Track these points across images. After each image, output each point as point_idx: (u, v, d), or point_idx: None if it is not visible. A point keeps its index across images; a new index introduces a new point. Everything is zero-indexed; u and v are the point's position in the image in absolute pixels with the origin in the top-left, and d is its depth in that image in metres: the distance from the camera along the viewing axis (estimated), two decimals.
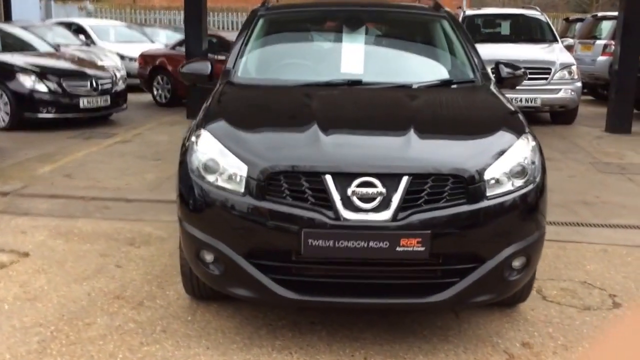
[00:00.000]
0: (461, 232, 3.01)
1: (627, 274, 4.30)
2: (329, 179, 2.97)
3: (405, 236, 2.92)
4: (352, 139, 3.35)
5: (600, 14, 15.10)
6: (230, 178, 3.14)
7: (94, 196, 5.90)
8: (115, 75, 9.89)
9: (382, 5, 4.94)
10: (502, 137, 3.26)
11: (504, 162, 3.12)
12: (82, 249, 4.57)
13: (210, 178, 3.19)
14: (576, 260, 4.48)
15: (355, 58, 4.22)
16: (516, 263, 3.13)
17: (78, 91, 9.00)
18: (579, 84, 10.48)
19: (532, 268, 3.24)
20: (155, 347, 3.25)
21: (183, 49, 11.87)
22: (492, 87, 3.99)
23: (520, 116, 3.56)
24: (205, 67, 4.30)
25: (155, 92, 12.09)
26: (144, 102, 12.27)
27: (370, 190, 2.94)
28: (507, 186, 3.10)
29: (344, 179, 2.97)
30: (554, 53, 10.60)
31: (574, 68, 10.24)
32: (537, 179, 3.21)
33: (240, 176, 3.10)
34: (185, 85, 10.89)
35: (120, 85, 9.90)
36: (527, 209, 3.16)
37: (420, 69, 4.42)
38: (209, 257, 3.20)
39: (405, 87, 3.99)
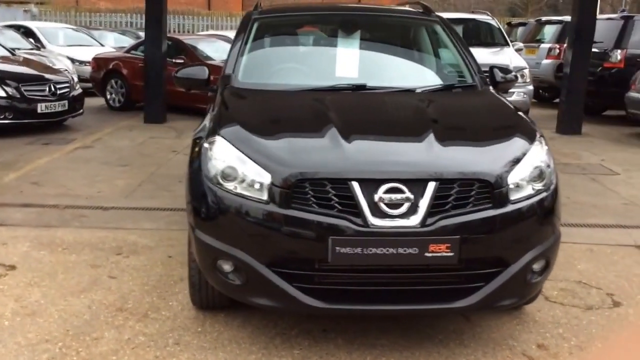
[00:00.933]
0: (488, 236, 3.00)
1: (617, 272, 4.40)
2: (355, 185, 2.91)
3: (435, 242, 2.89)
4: (375, 145, 3.30)
5: (544, 18, 15.56)
6: (250, 185, 3.05)
7: (68, 204, 5.65)
8: (73, 80, 9.54)
9: (375, 10, 4.91)
10: (519, 142, 3.27)
11: (524, 166, 3.14)
12: (70, 260, 4.36)
13: (229, 185, 3.08)
14: (566, 261, 4.56)
15: (355, 63, 4.18)
16: (537, 266, 3.15)
17: (36, 96, 8.62)
18: (531, 87, 10.75)
19: (550, 270, 3.27)
20: None
21: (138, 52, 11.63)
22: (493, 91, 4.02)
23: (529, 120, 3.59)
24: (202, 72, 4.18)
25: (108, 96, 11.74)
26: (96, 106, 11.87)
27: (397, 196, 2.90)
28: (528, 190, 3.12)
29: (370, 185, 2.92)
30: (506, 56, 10.82)
31: (526, 71, 10.49)
32: (554, 182, 3.24)
33: (262, 183, 3.01)
34: (140, 90, 10.67)
35: (77, 90, 9.55)
36: (547, 212, 3.18)
37: (420, 73, 4.42)
38: (227, 266, 3.09)
39: (409, 92, 3.97)
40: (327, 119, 3.33)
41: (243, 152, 3.11)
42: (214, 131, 3.31)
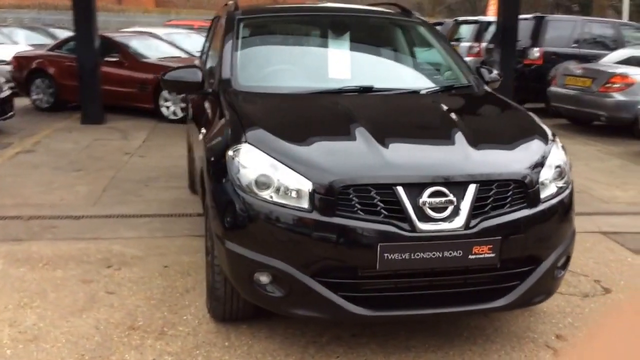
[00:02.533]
0: (524, 235, 2.96)
1: (595, 259, 4.51)
2: (401, 190, 2.79)
3: (478, 243, 2.82)
4: (412, 149, 3.17)
5: (460, 18, 15.92)
6: (286, 193, 2.85)
7: (32, 215, 5.18)
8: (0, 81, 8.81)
9: (360, 11, 4.75)
10: (540, 141, 3.25)
11: (549, 165, 3.12)
12: (57, 277, 3.97)
13: (264, 194, 2.88)
14: None
15: (355, 65, 4.04)
16: (561, 261, 3.15)
17: None
18: None
19: (569, 265, 3.28)
20: None
21: (64, 50, 10.94)
22: (492, 91, 3.99)
23: (537, 119, 3.58)
24: (195, 74, 3.88)
25: (35, 97, 10.95)
26: (21, 107, 11.03)
27: (441, 199, 2.80)
28: (552, 188, 3.10)
29: (414, 189, 2.80)
30: None
31: None
32: (571, 179, 3.25)
33: (302, 191, 2.82)
34: (72, 89, 10.02)
35: (6, 91, 8.83)
36: (568, 209, 3.19)
37: (420, 75, 4.33)
38: (264, 278, 2.89)
39: (415, 93, 3.87)
40: (352, 123, 3.17)
41: (276, 159, 2.90)
42: (237, 138, 3.07)
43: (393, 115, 3.53)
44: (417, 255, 2.77)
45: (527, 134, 3.31)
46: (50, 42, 13.93)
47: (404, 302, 2.90)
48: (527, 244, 2.98)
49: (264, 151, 2.95)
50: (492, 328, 3.43)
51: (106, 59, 10.17)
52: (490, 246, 2.83)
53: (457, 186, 2.84)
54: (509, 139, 3.26)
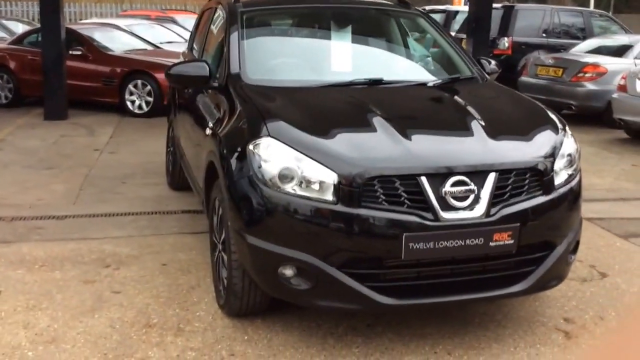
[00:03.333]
0: (540, 222, 3.21)
1: (586, 244, 4.73)
2: (424, 180, 2.99)
3: (498, 231, 3.06)
4: (433, 140, 3.38)
5: (428, 7, 16.27)
6: (310, 186, 3.02)
7: (14, 216, 5.21)
8: None
9: (360, 3, 4.94)
10: (552, 131, 3.49)
11: (562, 154, 3.37)
12: (57, 278, 4.05)
13: (287, 188, 3.04)
14: None
15: (362, 58, 4.23)
16: (572, 246, 3.41)
17: None
18: None
19: (578, 249, 3.55)
20: None
21: (24, 44, 10.85)
22: (496, 82, 4.23)
23: (547, 109, 3.82)
24: (202, 68, 4.00)
25: None
26: None
27: (462, 188, 3.02)
28: (564, 176, 3.36)
29: (436, 179, 3.02)
30: None
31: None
32: (579, 167, 3.52)
33: (326, 183, 3.00)
34: (33, 84, 9.94)
35: None
36: (578, 195, 3.45)
37: (425, 67, 4.55)
38: (289, 271, 3.06)
39: (423, 85, 4.09)
40: (369, 114, 3.37)
41: (299, 151, 3.07)
42: (257, 131, 3.22)
43: (408, 107, 3.73)
44: (441, 244, 2.99)
45: (539, 123, 3.56)
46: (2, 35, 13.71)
47: (428, 291, 3.11)
48: (542, 230, 3.23)
49: (286, 144, 3.11)
50: (501, 314, 3.68)
51: (70, 52, 10.11)
52: (510, 233, 3.07)
53: (478, 175, 3.07)
54: (524, 129, 3.49)
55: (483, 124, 3.36)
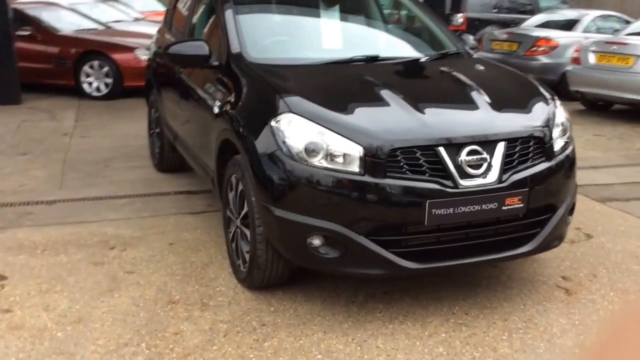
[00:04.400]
0: (545, 186, 3.47)
1: None
2: (442, 150, 3.21)
3: (510, 195, 3.30)
4: (444, 112, 3.57)
5: None
6: (336, 159, 3.19)
7: (0, 202, 5.19)
8: None
9: None
10: (545, 101, 3.75)
11: (557, 123, 3.64)
12: (64, 261, 4.10)
13: (314, 161, 3.20)
14: None
15: (357, 35, 4.40)
16: (570, 208, 3.70)
17: None
18: None
19: (574, 211, 3.84)
20: (273, 341, 3.20)
21: None
22: (482, 57, 4.47)
23: (535, 80, 4.09)
24: (201, 47, 4.08)
25: None
26: None
27: (476, 157, 3.25)
28: (561, 143, 3.63)
29: (452, 149, 3.23)
30: None
31: None
32: (572, 135, 3.80)
33: (351, 156, 3.17)
34: None
35: None
36: (573, 161, 3.73)
37: (415, 43, 4.74)
38: (317, 241, 3.22)
39: (416, 61, 4.29)
40: (379, 89, 3.55)
41: (324, 126, 3.22)
42: (277, 107, 3.36)
43: (413, 82, 3.93)
44: (460, 209, 3.21)
45: (533, 94, 3.82)
46: None
47: (446, 254, 3.34)
48: (546, 194, 3.50)
49: (309, 119, 3.26)
50: (505, 276, 3.96)
51: (17, 33, 9.88)
52: (520, 197, 3.32)
53: (489, 145, 3.30)
54: (521, 101, 3.74)
55: (485, 96, 3.59)
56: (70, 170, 6.11)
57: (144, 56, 9.96)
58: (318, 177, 3.19)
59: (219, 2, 4.42)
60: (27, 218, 4.89)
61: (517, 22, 13.05)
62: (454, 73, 4.02)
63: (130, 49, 10.04)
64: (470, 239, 3.38)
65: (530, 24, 12.39)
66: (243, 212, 3.61)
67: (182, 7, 5.60)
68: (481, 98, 3.57)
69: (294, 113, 3.30)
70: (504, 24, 12.98)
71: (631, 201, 5.52)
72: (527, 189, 3.34)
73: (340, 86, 3.78)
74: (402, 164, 3.18)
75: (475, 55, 4.51)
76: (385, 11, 4.99)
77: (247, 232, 3.58)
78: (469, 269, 3.93)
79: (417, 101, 3.45)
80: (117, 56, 9.94)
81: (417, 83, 3.96)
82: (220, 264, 4.07)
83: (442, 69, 4.17)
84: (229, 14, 4.26)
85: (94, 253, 4.24)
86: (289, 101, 3.38)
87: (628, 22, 11.95)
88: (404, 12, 4.95)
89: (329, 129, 3.22)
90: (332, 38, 4.38)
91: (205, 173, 4.45)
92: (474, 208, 3.23)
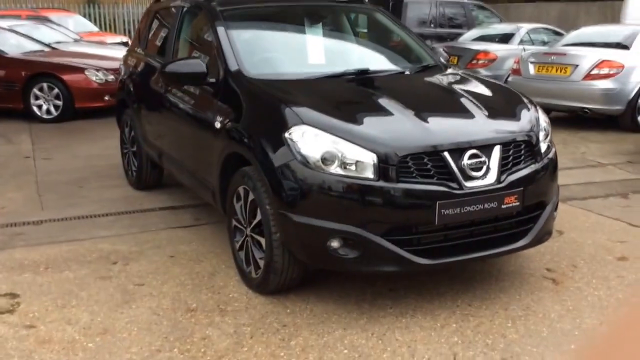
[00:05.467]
0: (536, 185, 3.81)
1: None
2: (447, 155, 3.50)
3: (508, 195, 3.62)
4: (446, 120, 3.86)
5: None
6: (350, 166, 3.43)
7: None
8: None
9: (327, 1, 5.35)
10: (528, 108, 4.10)
11: (541, 127, 4.00)
12: (70, 277, 4.17)
13: (331, 169, 3.44)
14: None
15: (345, 50, 4.65)
16: (555, 205, 4.06)
17: None
18: None
19: (558, 207, 4.21)
20: (299, 339, 3.40)
21: None
22: (463, 70, 4.82)
23: (514, 89, 4.45)
24: (199, 65, 4.26)
25: None
26: None
27: (476, 160, 3.56)
28: (545, 146, 4.00)
29: (455, 154, 3.53)
30: None
31: None
32: (552, 139, 4.17)
33: (365, 163, 3.42)
34: None
35: None
36: (556, 162, 4.10)
37: (398, 57, 5.03)
38: (336, 243, 3.45)
39: (403, 74, 4.59)
40: (381, 100, 3.83)
41: (337, 136, 3.46)
42: (290, 120, 3.57)
43: (406, 92, 4.21)
44: (465, 208, 3.50)
45: (517, 102, 4.17)
46: None
47: (453, 251, 3.62)
48: (537, 192, 3.84)
49: (321, 129, 3.50)
50: (495, 271, 4.28)
51: None
52: (516, 196, 3.64)
53: (486, 149, 3.62)
54: (509, 107, 4.08)
55: (476, 104, 3.92)
56: (46, 191, 6.11)
57: (94, 77, 9.99)
58: (335, 183, 3.42)
59: (209, 20, 4.61)
60: (19, 238, 4.90)
61: (453, 37, 13.66)
62: (441, 84, 4.35)
63: (80, 70, 10.00)
64: (473, 235, 3.68)
65: (467, 38, 13.02)
66: (255, 221, 3.79)
67: (160, 26, 5.74)
68: (473, 106, 3.89)
69: (307, 124, 3.53)
70: (441, 38, 13.57)
71: (588, 199, 5.98)
72: (522, 188, 3.67)
73: (342, 98, 4.04)
74: (412, 169, 3.45)
75: (450, 68, 4.85)
76: (365, 29, 5.30)
77: (261, 239, 3.76)
78: (466, 266, 4.23)
79: (418, 110, 3.74)
80: (68, 77, 9.89)
81: (411, 93, 4.25)
82: (225, 272, 4.23)
83: (429, 80, 4.49)
84: (221, 31, 4.45)
85: (98, 268, 4.32)
86: (300, 113, 3.60)
87: (558, 34, 12.76)
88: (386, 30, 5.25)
89: (342, 138, 3.46)
90: (322, 53, 4.64)
91: (202, 187, 4.59)
92: (477, 207, 3.53)
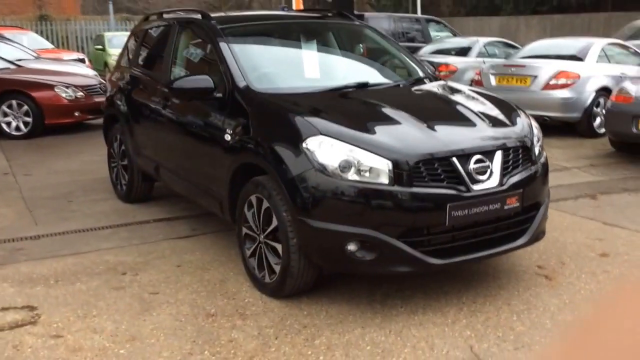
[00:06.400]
0: (533, 187, 4.07)
1: None
2: (455, 160, 3.73)
3: (509, 196, 3.87)
4: (451, 128, 4.08)
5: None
6: (366, 173, 3.62)
7: None
8: None
9: (318, 18, 5.54)
10: (521, 115, 4.38)
11: (534, 133, 4.28)
12: (83, 289, 4.22)
13: (348, 176, 3.62)
14: None
15: (341, 64, 4.86)
16: (548, 205, 4.34)
17: None
18: None
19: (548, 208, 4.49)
20: (322, 338, 3.55)
21: None
22: (454, 82, 5.08)
23: (502, 98, 4.73)
24: (207, 81, 4.40)
25: None
26: None
27: (481, 165, 3.80)
28: (538, 149, 4.27)
29: (463, 159, 3.76)
30: None
31: None
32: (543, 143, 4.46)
33: (380, 170, 3.62)
34: None
35: None
36: (547, 165, 4.38)
37: (392, 70, 5.25)
38: (353, 246, 3.63)
39: (399, 86, 4.82)
40: (388, 111, 4.04)
41: (353, 144, 3.66)
42: (306, 131, 3.74)
43: (409, 103, 4.43)
44: (472, 210, 3.74)
45: (510, 110, 4.44)
46: None
47: (461, 250, 3.84)
48: (534, 194, 4.10)
49: (337, 138, 3.68)
50: (491, 269, 4.53)
51: None
52: (517, 197, 3.90)
53: (489, 154, 3.86)
54: (504, 115, 4.33)
55: (475, 113, 4.17)
56: (36, 207, 6.11)
57: (64, 94, 9.96)
58: (352, 189, 3.61)
59: (209, 37, 4.75)
60: (20, 253, 4.92)
61: (412, 51, 14.04)
62: (437, 94, 4.59)
63: (50, 87, 9.96)
64: (477, 236, 3.92)
65: (426, 52, 13.42)
66: (270, 228, 3.94)
67: (153, 44, 5.84)
68: (472, 114, 4.14)
69: (323, 134, 3.71)
70: None
71: (560, 201, 6.31)
72: (521, 190, 3.93)
73: (351, 109, 4.23)
74: (424, 174, 3.67)
75: (443, 80, 5.11)
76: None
77: (276, 245, 3.91)
78: (464, 267, 4.46)
79: (424, 119, 3.96)
80: (38, 94, 9.83)
81: (413, 104, 4.47)
82: (235, 279, 4.36)
83: (424, 91, 4.73)
84: (225, 47, 4.60)
85: (109, 279, 4.39)
86: (316, 124, 3.78)
87: (512, 46, 13.28)
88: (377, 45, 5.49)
89: (357, 146, 3.65)
90: (322, 68, 4.83)
91: (207, 197, 4.71)
92: (482, 209, 3.77)
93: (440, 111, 4.42)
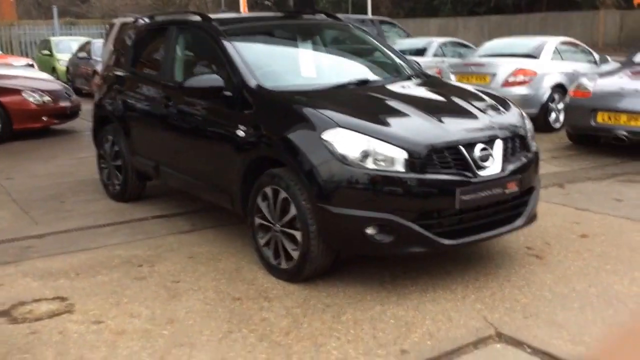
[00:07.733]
0: (528, 172, 4.49)
1: None
2: (462, 149, 4.12)
3: (510, 181, 4.28)
4: (457, 120, 4.44)
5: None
6: (383, 162, 3.97)
7: None
8: None
9: (311, 19, 5.85)
10: (513, 107, 4.81)
11: (526, 122, 4.71)
12: (105, 280, 4.44)
13: (367, 165, 3.96)
14: None
15: (340, 62, 5.18)
16: (539, 190, 4.77)
17: None
18: None
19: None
20: (347, 315, 3.88)
21: None
22: (438, 77, 5.47)
23: (491, 91, 5.15)
24: (217, 80, 4.67)
25: None
26: None
27: (484, 153, 4.20)
28: (530, 139, 4.70)
29: (469, 147, 4.15)
30: None
31: None
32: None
33: (396, 158, 3.97)
34: None
35: None
36: (538, 152, 4.81)
37: (386, 68, 5.60)
38: (371, 230, 3.97)
39: (396, 82, 5.18)
40: (394, 104, 4.41)
41: (370, 136, 3.99)
42: (325, 124, 4.05)
43: (412, 98, 4.79)
44: (478, 194, 4.13)
45: (501, 102, 4.86)
46: None
47: (468, 231, 4.23)
48: (529, 179, 4.53)
49: (356, 130, 4.02)
50: (484, 251, 4.94)
51: None
52: (516, 182, 4.31)
53: (491, 143, 4.26)
54: (500, 107, 4.74)
55: (473, 105, 4.58)
56: (30, 208, 6.23)
57: (31, 98, 9.97)
58: (370, 177, 3.94)
59: (212, 38, 5.02)
60: (31, 251, 5.06)
61: None
62: (434, 89, 4.98)
63: (17, 92, 9.98)
64: (482, 218, 4.31)
65: None
66: (288, 217, 4.23)
67: (150, 46, 6.04)
68: (471, 106, 4.55)
69: (341, 127, 4.03)
70: None
71: None
72: (520, 175, 4.34)
73: (361, 103, 4.57)
74: (435, 162, 4.04)
75: (434, 76, 5.51)
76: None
77: (294, 233, 4.21)
78: (459, 250, 4.85)
79: (430, 112, 4.34)
80: (5, 100, 9.84)
81: (416, 98, 4.84)
82: (249, 267, 4.63)
83: (422, 86, 5.11)
84: (229, 47, 4.88)
85: (128, 271, 4.60)
86: (333, 117, 4.11)
87: (466, 46, 13.87)
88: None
89: (375, 137, 3.99)
90: (322, 66, 5.15)
91: (215, 192, 4.97)
92: (487, 193, 4.17)
93: (442, 104, 4.80)
